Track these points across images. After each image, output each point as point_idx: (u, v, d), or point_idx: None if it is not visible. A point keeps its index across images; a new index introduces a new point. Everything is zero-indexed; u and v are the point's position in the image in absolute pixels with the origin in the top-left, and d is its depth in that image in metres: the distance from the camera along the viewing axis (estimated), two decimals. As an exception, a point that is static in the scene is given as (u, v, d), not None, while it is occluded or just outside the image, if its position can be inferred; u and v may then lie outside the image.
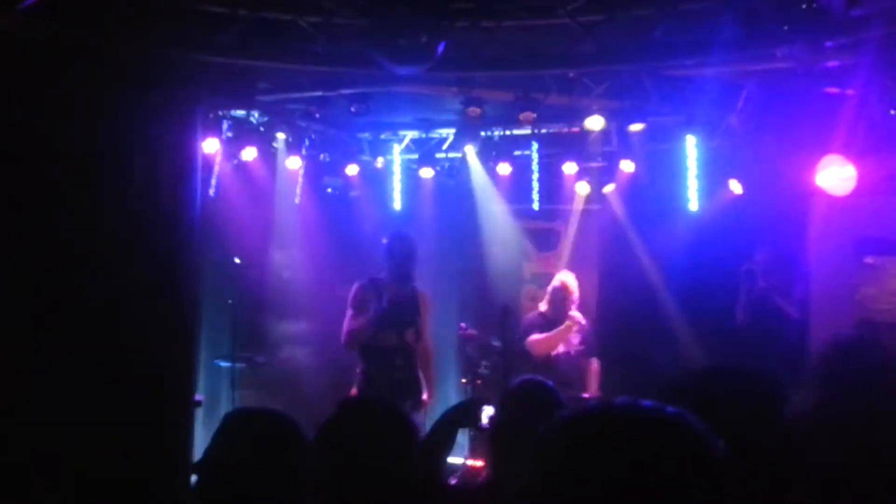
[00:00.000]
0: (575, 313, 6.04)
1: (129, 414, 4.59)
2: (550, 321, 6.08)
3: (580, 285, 7.09)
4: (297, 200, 7.62)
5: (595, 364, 6.07)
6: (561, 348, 5.95)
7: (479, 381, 7.01)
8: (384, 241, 5.47)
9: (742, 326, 5.99)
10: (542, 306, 6.23)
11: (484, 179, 7.59)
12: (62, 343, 4.36)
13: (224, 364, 6.93)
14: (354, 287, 5.49)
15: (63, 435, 4.25)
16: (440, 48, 4.28)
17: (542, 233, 8.12)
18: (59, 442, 4.24)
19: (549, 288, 6.20)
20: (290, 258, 7.69)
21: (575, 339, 5.97)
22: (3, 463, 4.01)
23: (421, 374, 5.46)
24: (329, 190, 7.96)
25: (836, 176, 5.55)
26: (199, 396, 5.82)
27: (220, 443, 1.96)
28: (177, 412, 5.06)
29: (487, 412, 2.80)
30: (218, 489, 1.87)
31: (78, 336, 4.43)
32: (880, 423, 2.40)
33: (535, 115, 6.03)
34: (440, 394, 5.90)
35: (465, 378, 7.19)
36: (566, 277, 6.13)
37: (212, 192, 6.69)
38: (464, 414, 2.64)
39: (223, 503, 1.83)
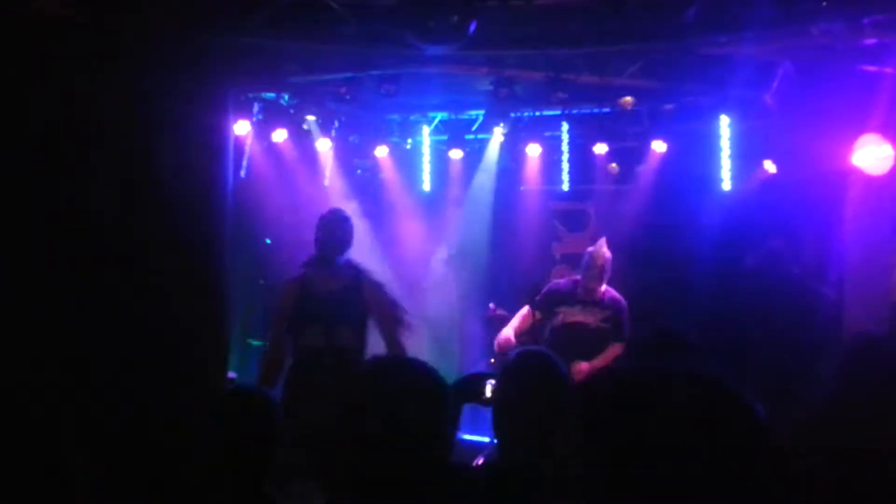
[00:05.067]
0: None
1: (163, 392, 4.64)
2: (576, 292, 5.59)
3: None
4: (326, 182, 7.65)
5: (617, 348, 5.50)
6: (579, 318, 5.51)
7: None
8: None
9: (777, 309, 5.93)
10: (578, 275, 5.67)
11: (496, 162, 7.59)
12: (94, 324, 4.42)
13: (256, 343, 7.01)
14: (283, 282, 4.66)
15: (97, 414, 4.32)
16: (471, 28, 4.26)
17: (571, 213, 8.08)
18: (93, 420, 4.30)
19: (585, 254, 5.65)
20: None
21: (600, 314, 5.54)
22: (36, 447, 4.08)
23: None
24: (359, 171, 7.99)
25: (873, 155, 5.45)
26: (231, 374, 5.90)
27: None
28: (210, 390, 5.12)
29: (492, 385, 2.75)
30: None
31: (110, 317, 4.49)
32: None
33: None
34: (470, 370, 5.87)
35: (493, 359, 7.19)
36: (601, 249, 5.60)
37: (243, 173, 6.75)
38: (467, 388, 2.61)
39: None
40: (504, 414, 2.55)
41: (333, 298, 4.37)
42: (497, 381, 2.65)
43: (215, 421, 2.32)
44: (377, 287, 4.56)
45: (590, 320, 5.54)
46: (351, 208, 7.73)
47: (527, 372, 2.56)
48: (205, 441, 2.30)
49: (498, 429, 2.62)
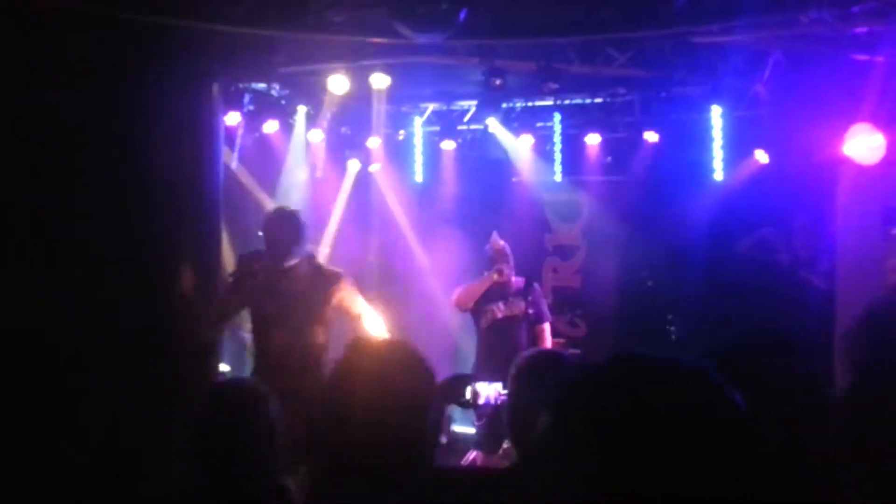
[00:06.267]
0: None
1: (153, 385, 4.63)
2: (492, 288, 5.77)
3: (601, 255, 6.93)
4: (318, 174, 7.63)
5: (547, 329, 5.84)
6: (506, 312, 5.70)
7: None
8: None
9: (768, 298, 5.93)
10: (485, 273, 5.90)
11: (511, 147, 7.54)
12: (83, 318, 4.40)
13: (248, 335, 6.98)
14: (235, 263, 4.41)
15: (87, 408, 4.30)
16: (461, 15, 4.24)
17: (564, 204, 8.08)
18: (83, 414, 4.29)
19: (487, 249, 5.89)
20: (311, 231, 7.70)
21: (521, 304, 5.75)
22: (29, 440, 4.06)
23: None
24: (354, 161, 7.96)
25: (864, 145, 5.45)
26: (223, 367, 5.88)
27: None
28: (201, 383, 5.10)
29: (483, 389, 2.73)
30: None
31: (99, 309, 4.46)
32: None
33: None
34: (463, 369, 5.85)
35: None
36: (494, 238, 5.87)
37: (234, 164, 6.72)
38: (447, 391, 2.53)
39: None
40: (518, 417, 2.52)
41: (298, 300, 4.21)
42: (510, 384, 2.63)
43: (208, 415, 2.26)
44: (339, 278, 4.41)
45: (517, 312, 5.68)
46: (343, 199, 7.78)
47: (540, 373, 2.53)
48: (199, 436, 2.21)
49: (513, 431, 2.58)
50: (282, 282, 4.22)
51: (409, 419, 1.65)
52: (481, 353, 5.83)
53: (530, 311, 5.78)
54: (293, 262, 4.23)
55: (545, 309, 5.92)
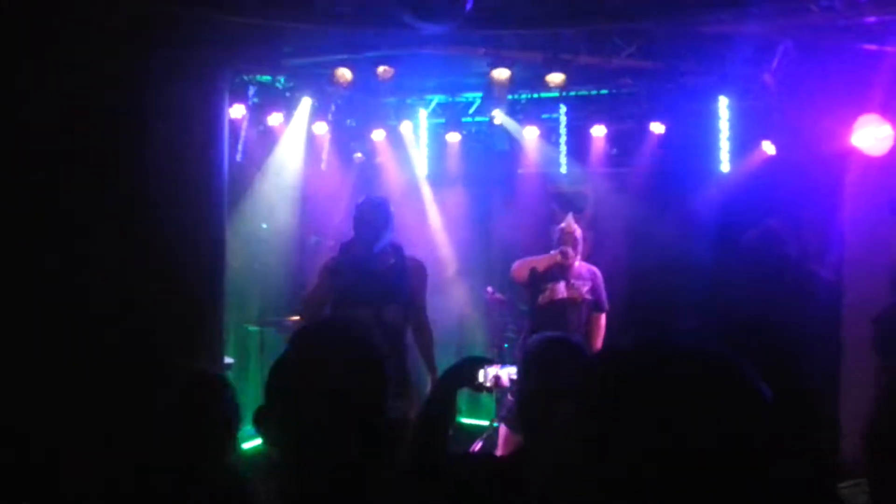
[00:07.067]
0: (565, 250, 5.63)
1: (160, 377, 4.62)
2: (553, 269, 5.69)
3: (608, 247, 6.91)
4: (323, 166, 7.61)
5: (602, 318, 5.80)
6: (567, 294, 5.64)
7: (505, 345, 7.03)
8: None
9: (775, 290, 5.91)
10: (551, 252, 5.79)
11: (518, 138, 7.49)
12: (88, 309, 4.38)
13: (253, 328, 6.99)
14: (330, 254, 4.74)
15: (93, 396, 4.30)
16: (468, 5, 4.22)
17: (569, 196, 8.06)
18: (89, 403, 4.28)
19: (557, 230, 5.80)
20: (317, 224, 7.70)
21: (584, 287, 5.69)
22: (31, 434, 4.05)
23: (419, 361, 4.65)
24: (358, 155, 7.93)
25: (872, 136, 5.43)
26: (228, 360, 5.87)
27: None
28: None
29: (495, 372, 2.69)
30: None
31: (104, 301, 4.45)
32: None
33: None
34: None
35: (492, 342, 7.19)
36: (568, 220, 5.80)
37: (238, 157, 6.70)
38: (461, 374, 2.51)
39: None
40: (527, 403, 2.47)
41: (379, 279, 4.44)
42: (519, 371, 2.57)
43: (180, 406, 2.41)
44: (420, 272, 4.66)
45: (576, 295, 5.63)
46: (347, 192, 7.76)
47: (552, 360, 2.47)
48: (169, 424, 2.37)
49: (522, 417, 2.54)
50: (366, 262, 4.44)
51: (355, 400, 1.58)
52: (531, 333, 5.75)
53: (590, 297, 5.71)
54: (380, 246, 4.47)
55: (605, 298, 5.82)
